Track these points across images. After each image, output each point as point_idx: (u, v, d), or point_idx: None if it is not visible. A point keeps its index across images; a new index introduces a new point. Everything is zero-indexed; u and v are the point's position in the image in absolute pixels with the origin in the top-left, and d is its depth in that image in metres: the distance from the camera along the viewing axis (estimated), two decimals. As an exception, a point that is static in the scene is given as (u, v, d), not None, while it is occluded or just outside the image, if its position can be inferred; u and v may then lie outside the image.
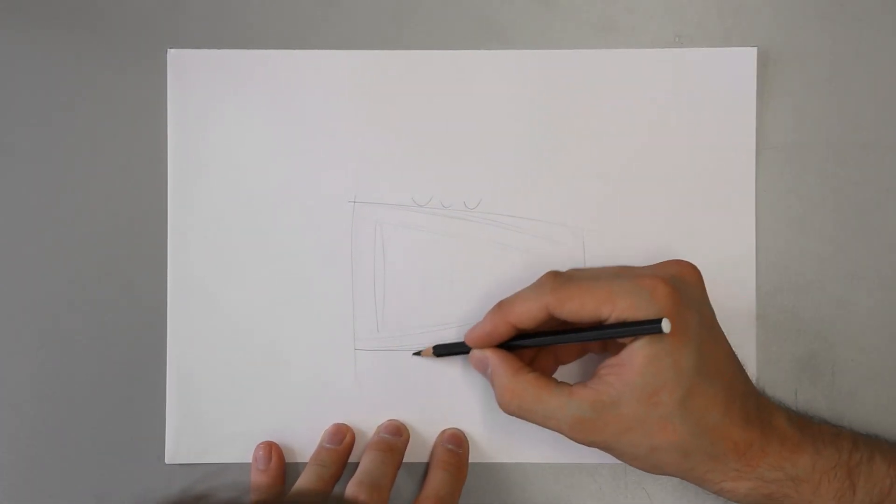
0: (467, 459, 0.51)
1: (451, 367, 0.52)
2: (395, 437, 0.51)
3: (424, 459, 0.52)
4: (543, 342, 0.48)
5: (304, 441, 0.52)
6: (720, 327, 0.47)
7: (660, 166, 0.52)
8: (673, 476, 0.47)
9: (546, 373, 0.49)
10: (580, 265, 0.52)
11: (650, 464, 0.46)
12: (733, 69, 0.52)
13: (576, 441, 0.46)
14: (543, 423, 0.47)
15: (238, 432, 0.52)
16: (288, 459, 0.52)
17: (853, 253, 0.52)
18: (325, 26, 0.53)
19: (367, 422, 0.52)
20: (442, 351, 0.51)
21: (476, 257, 0.52)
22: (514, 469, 0.52)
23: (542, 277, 0.47)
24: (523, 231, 0.52)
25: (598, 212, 0.52)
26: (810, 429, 0.47)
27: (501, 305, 0.47)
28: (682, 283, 0.46)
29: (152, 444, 0.52)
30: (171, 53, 0.52)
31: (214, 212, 0.52)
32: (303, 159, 0.52)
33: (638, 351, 0.44)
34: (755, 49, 0.52)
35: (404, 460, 0.51)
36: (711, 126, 0.52)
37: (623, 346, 0.45)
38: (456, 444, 0.51)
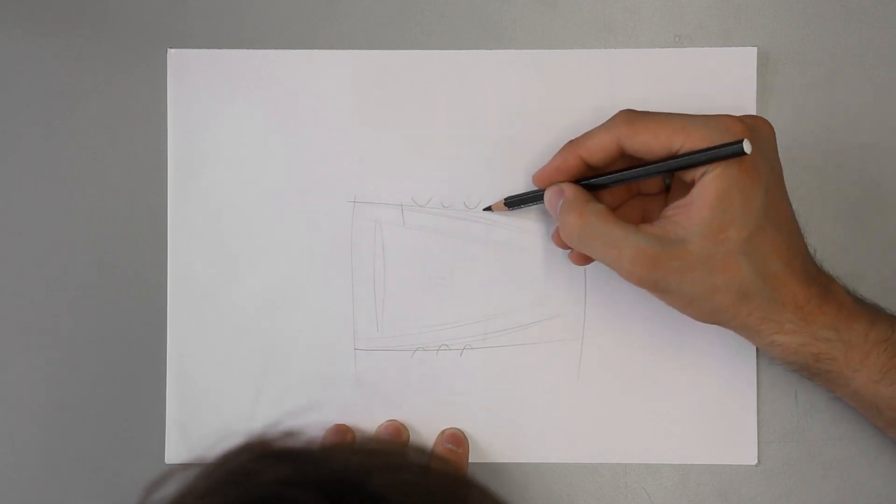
0: (467, 459, 0.51)
1: (452, 367, 0.52)
2: (395, 438, 0.51)
3: (424, 459, 0.52)
4: (616, 179, 0.47)
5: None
6: (785, 186, 0.47)
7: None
8: (725, 325, 0.46)
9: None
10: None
11: (707, 308, 0.45)
12: (733, 69, 0.52)
13: (634, 278, 0.45)
14: (605, 251, 0.45)
15: (238, 432, 0.52)
16: (288, 459, 0.52)
17: (853, 253, 0.52)
18: (325, 26, 0.53)
19: (367, 422, 0.52)
20: (514, 200, 0.51)
21: (476, 257, 0.52)
22: (514, 469, 0.52)
23: (615, 115, 0.47)
24: (523, 231, 0.52)
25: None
26: (866, 303, 0.47)
27: (573, 141, 0.47)
28: (757, 130, 0.45)
29: (152, 444, 0.52)
30: (172, 53, 0.52)
31: (214, 212, 0.52)
32: (303, 159, 0.52)
33: (709, 185, 0.44)
34: (755, 49, 0.52)
35: (404, 460, 0.51)
36: (711, 126, 0.52)
37: (690, 189, 0.45)
38: (456, 444, 0.51)
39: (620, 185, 0.48)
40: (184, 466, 0.32)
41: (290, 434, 0.34)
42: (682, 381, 0.51)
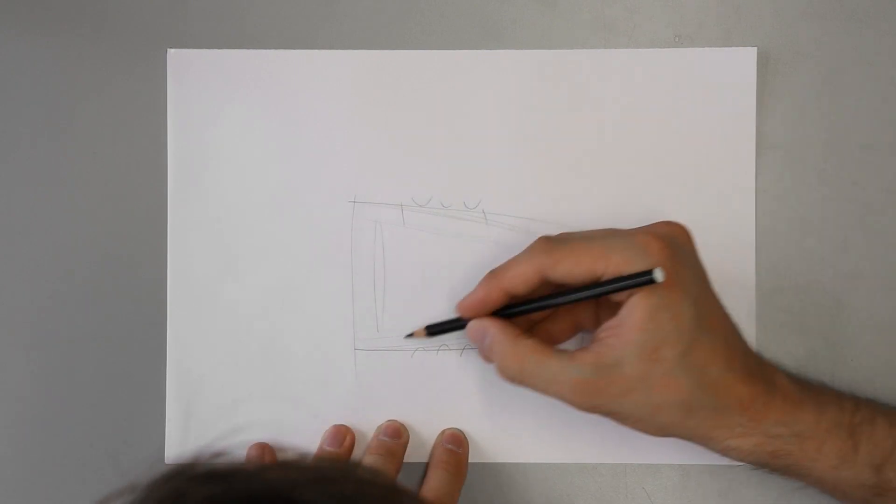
0: (467, 459, 0.51)
1: (452, 367, 0.52)
2: (395, 439, 0.51)
3: (424, 459, 0.52)
4: (539, 306, 0.47)
5: (304, 441, 0.52)
6: (712, 287, 0.47)
7: (660, 166, 0.52)
8: (677, 437, 0.46)
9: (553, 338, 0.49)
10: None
11: (654, 425, 0.46)
12: (733, 69, 0.52)
13: (578, 407, 0.46)
14: (545, 388, 0.46)
15: (238, 432, 0.52)
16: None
17: (853, 253, 0.52)
18: (325, 26, 0.53)
19: (367, 422, 0.52)
20: (435, 329, 0.51)
21: (476, 257, 0.52)
22: (514, 469, 0.52)
23: (533, 243, 0.47)
24: (523, 231, 0.52)
25: (598, 212, 0.52)
26: (812, 389, 0.47)
27: (494, 272, 0.47)
28: (674, 240, 0.46)
29: (152, 444, 0.52)
30: (171, 53, 0.52)
31: (214, 212, 0.52)
32: (303, 159, 0.52)
33: (636, 307, 0.44)
34: (755, 49, 0.52)
35: (404, 460, 0.51)
36: (711, 126, 0.52)
37: (619, 307, 0.45)
38: (456, 444, 0.51)
39: None
40: (120, 493, 0.32)
41: (219, 455, 0.34)
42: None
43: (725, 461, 0.51)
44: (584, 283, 0.45)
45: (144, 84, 0.52)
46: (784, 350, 0.52)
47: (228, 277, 0.52)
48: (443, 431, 0.52)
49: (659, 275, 0.43)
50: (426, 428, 0.52)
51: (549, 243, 0.46)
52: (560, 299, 0.47)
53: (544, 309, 0.48)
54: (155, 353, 0.52)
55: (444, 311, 0.52)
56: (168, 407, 0.52)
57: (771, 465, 0.47)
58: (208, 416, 0.52)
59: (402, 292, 0.52)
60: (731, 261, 0.51)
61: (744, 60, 0.52)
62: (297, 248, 0.52)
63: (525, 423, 0.52)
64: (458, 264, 0.52)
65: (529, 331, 0.49)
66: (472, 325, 0.48)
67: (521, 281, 0.46)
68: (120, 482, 0.51)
